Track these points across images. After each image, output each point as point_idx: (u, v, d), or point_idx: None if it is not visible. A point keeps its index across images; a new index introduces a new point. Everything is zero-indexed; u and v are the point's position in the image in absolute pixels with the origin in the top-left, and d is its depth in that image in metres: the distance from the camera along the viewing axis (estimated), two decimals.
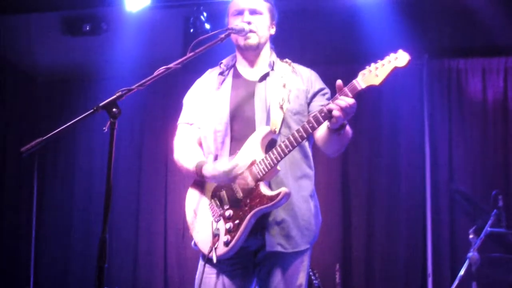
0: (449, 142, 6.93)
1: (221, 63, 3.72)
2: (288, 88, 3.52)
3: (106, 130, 2.81)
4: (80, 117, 2.85)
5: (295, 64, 3.70)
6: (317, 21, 6.71)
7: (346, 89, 3.17)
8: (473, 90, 6.94)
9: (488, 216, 5.37)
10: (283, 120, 3.44)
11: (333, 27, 6.68)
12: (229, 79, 3.65)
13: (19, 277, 7.66)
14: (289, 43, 6.46)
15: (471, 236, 5.32)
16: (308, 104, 3.59)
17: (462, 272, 5.31)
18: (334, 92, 3.26)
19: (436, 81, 7.03)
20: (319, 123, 3.23)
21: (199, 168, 3.44)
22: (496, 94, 6.87)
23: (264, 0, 3.64)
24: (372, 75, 3.18)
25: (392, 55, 3.20)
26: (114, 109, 2.82)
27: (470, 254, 5.23)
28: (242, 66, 3.68)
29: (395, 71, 3.18)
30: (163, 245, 7.41)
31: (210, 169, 3.39)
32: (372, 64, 3.21)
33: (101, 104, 2.82)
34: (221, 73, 3.69)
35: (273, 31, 3.69)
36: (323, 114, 3.21)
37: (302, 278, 3.51)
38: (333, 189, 7.15)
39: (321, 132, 3.42)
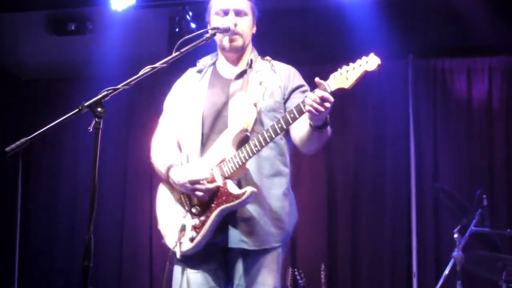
0: (434, 142, 6.96)
1: (199, 61, 3.72)
2: (264, 86, 3.51)
3: (91, 129, 2.80)
4: (65, 116, 2.84)
5: (275, 62, 3.68)
6: (303, 20, 6.72)
7: (317, 90, 3.14)
8: (458, 90, 6.97)
9: (472, 215, 5.39)
10: (257, 118, 3.44)
11: (319, 26, 6.69)
12: (207, 77, 3.64)
13: (4, 277, 7.62)
14: (275, 43, 6.50)
15: (455, 236, 5.33)
16: (286, 100, 3.57)
17: (446, 271, 5.32)
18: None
19: (421, 81, 7.05)
20: (288, 124, 3.24)
21: (167, 174, 3.48)
22: (481, 94, 6.90)
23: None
24: (343, 78, 3.15)
25: (363, 58, 3.17)
26: (99, 109, 2.81)
27: (454, 254, 5.25)
28: (222, 65, 3.67)
29: (367, 75, 3.15)
30: (149, 244, 7.39)
31: (176, 175, 3.42)
32: (344, 67, 3.18)
33: (86, 104, 2.82)
34: (199, 71, 3.69)
35: (254, 29, 3.68)
36: (292, 115, 3.21)
37: (273, 278, 3.45)
38: (319, 189, 7.17)
39: (300, 130, 3.40)
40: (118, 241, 7.57)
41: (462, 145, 6.88)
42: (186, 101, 3.62)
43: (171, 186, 3.53)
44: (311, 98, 3.12)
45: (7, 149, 2.73)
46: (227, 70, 3.64)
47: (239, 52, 3.62)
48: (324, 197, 7.16)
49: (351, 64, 3.19)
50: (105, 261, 7.35)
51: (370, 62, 3.15)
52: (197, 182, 3.31)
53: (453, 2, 6.39)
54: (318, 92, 3.12)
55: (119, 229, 7.59)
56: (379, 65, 3.15)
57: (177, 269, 3.51)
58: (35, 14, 6.88)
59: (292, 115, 3.22)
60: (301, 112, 3.19)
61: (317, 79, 3.18)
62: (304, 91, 3.58)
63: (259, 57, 3.69)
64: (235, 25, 3.52)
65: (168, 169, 3.47)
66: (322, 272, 6.46)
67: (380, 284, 6.90)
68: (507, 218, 6.56)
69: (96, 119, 2.80)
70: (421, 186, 6.90)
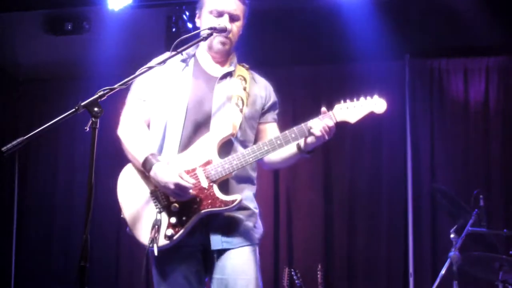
0: (430, 142, 6.97)
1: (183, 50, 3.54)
2: (247, 92, 3.55)
3: (88, 129, 2.80)
4: (61, 116, 2.84)
5: (252, 72, 3.72)
6: (298, 20, 6.71)
7: (326, 118, 3.31)
8: (455, 90, 6.98)
9: (469, 215, 5.39)
10: (241, 124, 3.47)
11: (315, 27, 6.68)
12: (190, 68, 3.59)
13: (0, 277, 7.61)
14: (272, 43, 6.50)
15: (452, 236, 5.33)
16: (264, 113, 3.65)
17: (443, 271, 5.33)
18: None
19: (418, 81, 7.06)
20: (288, 143, 3.36)
21: (148, 165, 3.33)
22: (478, 94, 6.91)
23: (241, 3, 3.59)
24: (349, 112, 3.37)
25: (369, 99, 3.42)
26: (95, 108, 2.81)
27: (451, 254, 5.25)
28: (204, 60, 3.63)
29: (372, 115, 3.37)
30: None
31: (160, 172, 3.30)
32: (348, 102, 3.37)
33: (82, 103, 2.81)
34: (183, 61, 3.61)
35: (241, 32, 3.65)
36: (293, 135, 3.34)
37: (255, 268, 3.46)
38: (315, 189, 7.18)
39: (283, 150, 3.44)
40: (115, 240, 7.56)
41: (459, 145, 6.88)
42: (168, 87, 3.53)
43: (143, 174, 3.42)
44: (321, 126, 3.28)
45: (4, 148, 2.73)
46: (211, 67, 3.62)
47: (227, 51, 3.61)
48: (320, 198, 7.16)
49: (355, 100, 3.38)
50: (102, 261, 7.34)
51: (378, 105, 3.43)
52: (183, 188, 3.27)
53: (450, 2, 6.39)
54: (328, 122, 3.30)
55: (115, 228, 7.58)
56: (386, 110, 3.42)
57: (156, 271, 3.50)
58: (32, 14, 6.87)
59: (293, 135, 3.35)
60: (303, 134, 3.33)
61: (323, 109, 3.34)
62: (277, 109, 3.74)
63: (237, 62, 3.69)
64: (230, 25, 3.51)
65: (147, 160, 3.34)
66: (318, 272, 6.46)
67: (376, 284, 6.90)
68: (504, 219, 6.56)
69: (93, 119, 2.79)
70: (418, 186, 6.90)
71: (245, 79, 3.59)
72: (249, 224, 3.49)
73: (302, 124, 3.33)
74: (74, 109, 2.82)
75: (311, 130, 3.29)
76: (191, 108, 3.47)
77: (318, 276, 6.46)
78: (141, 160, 3.37)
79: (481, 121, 6.89)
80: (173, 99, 3.50)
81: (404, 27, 6.67)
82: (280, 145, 3.34)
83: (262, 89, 3.66)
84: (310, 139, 3.34)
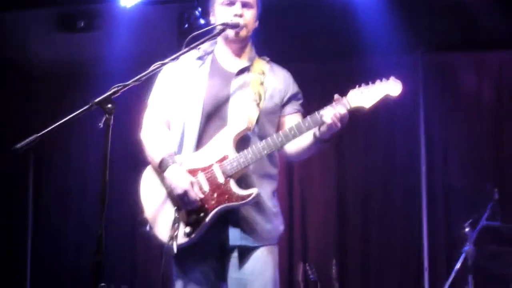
0: (444, 136, 6.94)
1: (199, 47, 3.60)
2: (265, 86, 3.52)
3: (101, 126, 2.80)
4: (75, 113, 2.85)
5: (273, 63, 3.69)
6: (309, 16, 6.70)
7: (338, 106, 3.23)
8: (468, 84, 6.95)
9: (483, 209, 5.38)
10: (258, 118, 3.44)
11: (326, 22, 6.66)
12: (207, 65, 3.60)
13: (16, 273, 7.66)
14: (280, 38, 6.48)
15: (466, 230, 5.33)
16: (283, 105, 3.60)
17: (458, 265, 5.33)
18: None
19: (431, 76, 7.02)
20: (302, 132, 3.31)
21: (163, 166, 3.39)
22: (491, 88, 6.87)
23: None
24: (364, 97, 3.28)
25: (384, 80, 3.29)
26: (109, 105, 2.82)
27: (466, 248, 5.25)
28: (222, 55, 3.63)
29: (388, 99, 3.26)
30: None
31: (172, 175, 3.35)
32: (363, 86, 3.28)
33: (96, 100, 2.83)
34: (200, 58, 3.63)
35: (257, 23, 3.64)
36: (307, 124, 3.29)
37: (273, 269, 3.46)
38: (329, 184, 7.18)
39: (300, 139, 3.42)
40: (130, 235, 7.59)
41: (472, 139, 6.85)
42: (185, 86, 3.56)
43: (163, 175, 3.46)
44: (333, 113, 3.20)
45: (18, 146, 2.74)
46: (228, 62, 3.61)
47: (242, 43, 3.60)
48: (334, 193, 7.16)
49: (371, 84, 3.28)
50: (118, 256, 7.36)
51: (393, 87, 3.29)
52: (190, 197, 3.30)
53: None
54: (340, 109, 3.22)
55: (131, 223, 7.61)
56: (401, 91, 3.27)
57: (175, 269, 3.51)
58: (45, 11, 6.89)
59: (307, 124, 3.30)
60: (317, 123, 3.26)
61: (336, 96, 3.25)
62: (299, 99, 3.66)
63: (257, 55, 3.68)
64: (241, 15, 3.49)
65: (163, 160, 3.39)
66: (333, 267, 6.47)
67: (391, 278, 6.90)
68: None
69: (107, 115, 2.80)
70: (432, 180, 6.88)
71: (263, 73, 3.56)
72: (269, 222, 3.47)
73: (316, 112, 3.29)
74: (87, 106, 2.83)
75: (323, 118, 3.23)
76: (207, 105, 3.47)
77: (333, 271, 6.46)
78: (157, 160, 3.43)
79: (494, 115, 6.85)
80: (190, 97, 3.51)
81: (417, 22, 6.64)
82: (294, 136, 3.31)
83: (281, 82, 3.61)
84: (323, 128, 3.27)
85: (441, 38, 6.92)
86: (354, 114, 3.31)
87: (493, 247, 5.44)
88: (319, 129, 3.30)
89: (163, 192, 3.45)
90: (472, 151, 6.84)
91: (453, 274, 5.34)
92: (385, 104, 6.93)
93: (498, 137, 6.81)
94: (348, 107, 3.24)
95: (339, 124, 3.21)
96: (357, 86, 3.27)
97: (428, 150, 6.92)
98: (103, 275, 2.72)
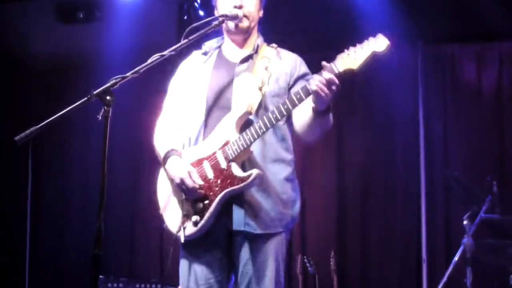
0: (443, 128, 6.94)
1: (204, 44, 3.68)
2: (269, 71, 3.49)
3: (100, 118, 2.80)
4: (74, 105, 2.85)
5: (281, 49, 3.66)
6: (309, 6, 6.68)
7: (324, 72, 3.11)
8: (468, 76, 6.94)
9: (482, 202, 5.38)
10: (261, 102, 3.42)
11: (326, 12, 6.65)
12: (212, 60, 3.63)
13: (15, 266, 7.67)
14: (280, 28, 6.44)
15: (465, 222, 5.33)
16: (291, 87, 3.54)
17: (456, 258, 5.33)
18: None
19: (431, 67, 7.02)
20: (294, 105, 3.22)
21: (165, 161, 3.47)
22: (491, 80, 6.87)
23: None
24: (351, 58, 3.13)
25: (371, 39, 3.14)
26: (108, 97, 2.82)
27: (464, 240, 5.24)
28: (228, 48, 3.66)
29: (376, 59, 3.12)
30: (159, 232, 7.35)
31: (171, 166, 3.43)
32: (351, 48, 3.15)
33: (95, 92, 2.83)
34: (205, 54, 3.67)
35: (261, 13, 3.65)
36: (298, 96, 3.19)
37: (277, 263, 3.45)
38: (329, 175, 7.18)
39: (302, 116, 3.38)
40: (129, 228, 7.59)
41: (472, 131, 6.85)
42: (190, 83, 3.61)
43: None
44: (318, 79, 3.10)
45: (17, 138, 2.75)
46: (233, 53, 3.63)
47: (245, 34, 3.61)
48: (333, 184, 7.16)
49: (358, 45, 3.16)
50: (116, 249, 7.37)
51: (379, 42, 3.13)
52: (188, 185, 3.33)
53: None
54: (326, 75, 3.10)
55: (130, 216, 7.62)
56: (388, 46, 3.11)
57: (183, 260, 3.52)
58: (44, 2, 6.88)
59: (298, 96, 3.21)
60: (307, 94, 3.18)
61: (323, 62, 3.14)
62: (308, 79, 3.48)
63: (265, 43, 3.66)
64: (240, 7, 3.50)
65: (166, 156, 3.47)
66: (331, 259, 6.48)
67: (390, 270, 6.90)
68: None
69: (105, 107, 2.80)
70: (431, 172, 6.88)
71: (268, 59, 3.54)
72: (275, 208, 3.44)
73: (306, 83, 3.21)
74: (86, 98, 2.83)
75: (309, 87, 3.15)
76: (210, 98, 3.49)
77: (331, 262, 6.47)
78: (162, 156, 3.50)
79: (494, 107, 6.84)
80: (193, 92, 3.56)
81: (417, 13, 6.63)
82: (287, 110, 3.24)
83: (288, 65, 3.58)
84: (313, 98, 3.18)
85: (441, 29, 6.90)
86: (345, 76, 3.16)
87: (492, 240, 5.44)
88: (312, 100, 3.22)
89: (173, 186, 3.50)
90: (472, 143, 6.84)
91: (451, 267, 5.34)
92: (385, 96, 6.99)
93: (498, 128, 6.80)
94: (336, 72, 3.10)
95: (326, 91, 3.09)
96: (345, 49, 3.16)
97: (427, 142, 6.92)
98: (102, 268, 2.72)
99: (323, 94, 3.10)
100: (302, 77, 3.56)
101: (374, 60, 3.14)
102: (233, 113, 3.40)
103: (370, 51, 3.12)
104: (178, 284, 3.60)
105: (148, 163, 7.54)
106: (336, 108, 3.36)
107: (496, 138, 6.79)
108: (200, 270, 3.46)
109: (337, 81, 3.10)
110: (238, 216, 3.37)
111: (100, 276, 5.95)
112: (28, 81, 7.93)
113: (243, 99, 3.43)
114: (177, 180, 3.35)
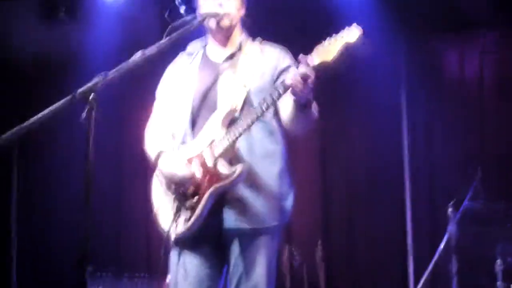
0: (427, 117, 6.98)
1: (189, 44, 3.72)
2: (253, 67, 3.50)
3: (84, 117, 2.78)
4: (57, 104, 2.83)
5: (266, 43, 3.66)
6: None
7: (300, 65, 3.11)
8: (450, 67, 6.99)
9: (467, 189, 5.41)
10: (246, 99, 3.43)
11: (306, 2, 6.66)
12: (197, 61, 3.65)
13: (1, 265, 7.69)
14: (264, 16, 6.44)
15: (449, 210, 5.37)
16: (275, 80, 3.51)
17: (441, 246, 5.37)
18: None
19: (414, 58, 7.04)
20: (274, 100, 3.22)
21: (156, 160, 3.53)
22: (473, 70, 6.90)
23: None
24: (326, 50, 3.12)
25: (345, 29, 3.16)
26: (91, 96, 2.81)
27: (449, 228, 5.29)
28: (211, 48, 3.67)
29: (348, 47, 3.12)
30: (145, 236, 7.37)
31: (162, 164, 3.49)
32: (327, 39, 3.15)
33: (78, 91, 2.81)
34: (190, 54, 3.70)
35: (243, 11, 3.65)
36: (276, 93, 3.20)
37: (269, 259, 3.47)
38: (313, 165, 7.22)
39: (287, 109, 3.37)
40: (115, 233, 7.61)
41: (455, 121, 6.87)
42: (176, 86, 3.64)
43: None
44: (293, 73, 3.11)
45: (1, 138, 2.73)
46: (216, 53, 3.64)
47: (227, 33, 3.61)
48: (318, 173, 7.21)
49: (333, 35, 3.16)
50: (103, 240, 7.34)
51: (351, 33, 3.14)
52: (178, 181, 3.40)
53: None
54: (300, 68, 3.09)
55: (117, 221, 7.61)
56: (360, 36, 3.12)
57: (174, 253, 3.53)
58: (26, 1, 6.84)
59: (276, 94, 3.21)
60: (286, 88, 3.17)
61: (300, 55, 3.14)
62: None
63: (249, 39, 3.67)
64: (220, 5, 3.51)
65: (157, 156, 3.52)
66: (318, 249, 6.50)
67: (376, 259, 6.94)
68: (498, 193, 6.57)
69: (89, 107, 2.79)
70: (415, 161, 6.93)
71: (252, 55, 3.56)
72: (267, 204, 3.44)
73: (284, 78, 3.20)
74: (69, 97, 2.81)
75: (285, 82, 3.15)
76: (196, 99, 3.52)
77: (318, 252, 6.50)
78: (153, 158, 3.55)
79: (477, 95, 6.89)
80: (179, 95, 3.59)
81: (399, 4, 6.65)
82: (267, 106, 3.24)
83: (272, 59, 3.57)
84: (291, 92, 3.15)
85: (424, 20, 6.91)
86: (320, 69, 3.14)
87: (476, 227, 5.48)
88: (292, 94, 3.19)
89: (163, 188, 3.54)
90: (455, 131, 6.86)
91: (437, 255, 5.39)
92: (367, 87, 7.01)
93: (480, 116, 6.84)
94: (311, 65, 3.08)
95: (300, 85, 3.07)
96: (322, 41, 3.15)
97: (411, 130, 6.96)
98: (90, 260, 2.73)
99: (298, 88, 3.10)
100: (286, 69, 3.52)
101: (352, 52, 3.15)
102: (218, 113, 3.42)
103: (343, 42, 3.12)
104: (165, 275, 3.64)
105: (133, 156, 7.56)
106: (318, 99, 3.35)
107: (479, 125, 6.82)
108: (190, 264, 3.48)
109: (311, 75, 3.08)
110: (229, 213, 3.39)
111: (89, 268, 5.93)
112: (10, 80, 7.84)
113: (228, 98, 3.45)
114: (167, 175, 3.43)
